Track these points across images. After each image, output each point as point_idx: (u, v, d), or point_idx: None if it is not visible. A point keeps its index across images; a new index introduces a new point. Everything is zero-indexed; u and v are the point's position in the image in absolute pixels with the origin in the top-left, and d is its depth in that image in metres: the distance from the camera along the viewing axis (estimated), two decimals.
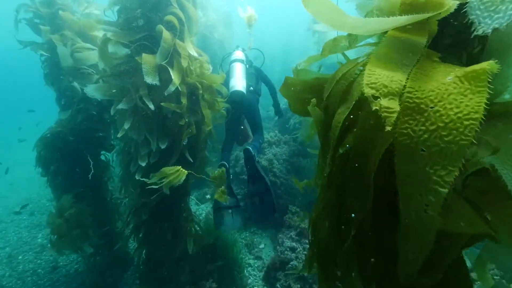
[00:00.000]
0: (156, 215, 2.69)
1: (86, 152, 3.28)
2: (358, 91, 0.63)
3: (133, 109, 2.46)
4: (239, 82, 3.39)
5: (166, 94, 2.31)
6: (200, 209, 4.81)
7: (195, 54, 2.63)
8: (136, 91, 2.43)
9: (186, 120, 2.57)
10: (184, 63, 2.45)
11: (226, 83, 3.45)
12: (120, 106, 2.44)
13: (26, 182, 7.58)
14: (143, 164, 2.37)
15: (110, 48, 2.65)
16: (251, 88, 3.56)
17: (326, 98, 0.82)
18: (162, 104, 2.39)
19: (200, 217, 4.38)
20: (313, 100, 0.90)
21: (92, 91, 2.42)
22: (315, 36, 4.89)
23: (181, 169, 2.38)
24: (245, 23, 4.91)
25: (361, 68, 0.69)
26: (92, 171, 3.01)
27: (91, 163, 3.09)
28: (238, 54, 3.78)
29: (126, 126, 2.38)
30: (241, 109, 3.46)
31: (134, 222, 2.65)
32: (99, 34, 3.19)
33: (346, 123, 0.70)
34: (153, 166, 2.53)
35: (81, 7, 3.54)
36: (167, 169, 2.17)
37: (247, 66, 3.70)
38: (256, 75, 3.79)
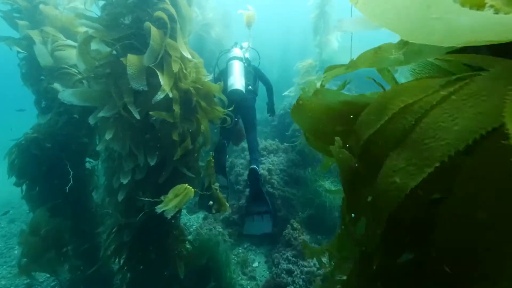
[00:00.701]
0: (142, 235, 2.40)
1: (67, 160, 2.97)
2: (458, 139, 0.36)
3: (116, 117, 2.17)
4: (238, 81, 3.25)
5: (153, 102, 2.03)
6: (191, 219, 4.52)
7: (189, 56, 2.36)
8: (119, 97, 2.14)
9: (180, 131, 2.29)
10: (176, 66, 2.17)
11: (223, 81, 3.24)
12: (101, 113, 2.15)
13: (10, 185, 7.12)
14: (125, 181, 2.08)
15: (93, 47, 2.37)
16: (250, 87, 3.44)
17: (368, 138, 0.55)
18: (150, 113, 2.10)
19: (191, 229, 4.09)
20: (338, 139, 0.64)
21: (68, 96, 2.11)
22: (316, 39, 4.64)
23: (188, 187, 2.11)
24: (244, 23, 4.69)
25: (453, 98, 0.41)
26: (71, 183, 2.70)
27: (71, 173, 2.78)
28: (237, 52, 3.63)
29: (108, 136, 2.09)
30: (239, 109, 3.30)
31: (116, 244, 2.36)
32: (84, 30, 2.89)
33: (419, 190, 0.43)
34: (140, 183, 2.24)
35: (65, 0, 3.24)
36: (176, 190, 1.97)
37: (246, 64, 3.58)
38: (254, 74, 3.67)
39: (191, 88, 2.28)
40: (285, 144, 5.28)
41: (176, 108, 2.21)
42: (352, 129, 0.63)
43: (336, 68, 0.90)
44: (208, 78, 2.41)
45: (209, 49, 6.36)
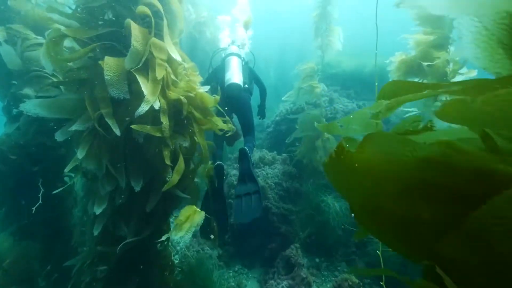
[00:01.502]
0: (121, 265, 2.06)
1: (40, 175, 2.61)
2: None
3: (91, 131, 1.83)
4: (236, 75, 3.15)
5: (136, 115, 1.70)
6: (176, 236, 4.14)
7: (179, 58, 2.04)
8: (95, 107, 1.80)
9: (172, 147, 1.96)
10: (162, 71, 1.85)
11: (220, 77, 3.26)
12: (74, 127, 1.81)
13: None
14: (99, 211, 1.74)
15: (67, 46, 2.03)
16: (246, 85, 3.30)
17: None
18: (132, 126, 1.77)
19: (178, 247, 3.74)
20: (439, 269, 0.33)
21: (33, 107, 1.77)
22: (318, 41, 4.35)
23: (196, 209, 1.97)
24: (242, 24, 4.45)
25: None
26: (39, 202, 2.34)
27: (41, 191, 2.42)
28: (234, 49, 3.52)
29: (80, 154, 1.75)
30: (236, 105, 3.21)
31: (89, 276, 2.01)
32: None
33: None
34: (122, 209, 1.91)
35: None
36: (186, 212, 1.87)
37: (243, 62, 3.47)
38: (249, 74, 3.56)
39: (181, 97, 1.95)
40: (283, 154, 4.95)
41: (165, 120, 1.88)
42: (466, 224, 0.33)
43: (409, 94, 0.58)
44: (204, 89, 2.08)
45: (204, 50, 6.03)
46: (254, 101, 3.89)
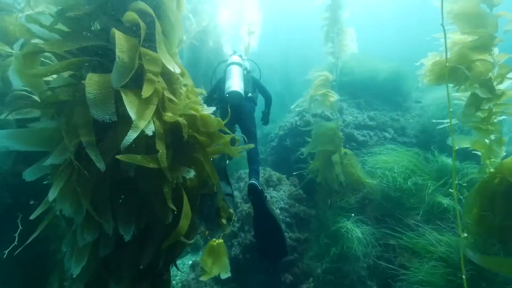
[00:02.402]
0: None
1: (20, 209, 2.26)
2: None
3: (68, 165, 1.47)
4: (236, 83, 3.12)
5: (122, 147, 1.34)
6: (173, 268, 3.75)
7: (177, 71, 1.69)
8: (73, 134, 1.45)
9: (173, 183, 1.59)
10: (149, 89, 1.49)
11: (221, 87, 3.26)
12: (49, 161, 1.47)
13: None
14: (77, 270, 1.36)
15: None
16: (249, 94, 3.31)
17: None
18: (118, 157, 1.41)
19: (174, 280, 3.32)
20: None
21: (3, 140, 1.43)
22: (328, 46, 4.01)
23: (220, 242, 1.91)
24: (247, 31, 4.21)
25: None
26: (15, 243, 1.98)
27: (19, 229, 2.06)
28: (235, 58, 3.51)
29: (52, 195, 1.40)
30: (238, 114, 3.15)
31: None
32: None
33: None
34: (109, 263, 1.53)
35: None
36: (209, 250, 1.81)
37: (245, 72, 3.46)
38: (252, 83, 3.56)
39: (179, 120, 1.59)
40: (291, 178, 4.51)
41: (161, 147, 1.52)
42: None
43: None
44: (208, 110, 1.72)
45: (208, 59, 5.73)
46: (259, 111, 3.74)
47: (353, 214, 3.51)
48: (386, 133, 5.76)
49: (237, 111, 3.13)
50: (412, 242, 2.86)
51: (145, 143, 1.55)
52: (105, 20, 1.64)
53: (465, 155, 3.63)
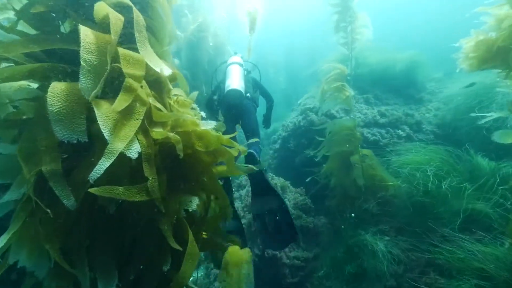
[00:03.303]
0: None
1: None
2: None
3: (27, 201, 1.15)
4: (235, 82, 3.06)
5: (90, 179, 1.00)
6: None
7: (167, 72, 1.34)
8: (33, 162, 1.12)
9: (173, 218, 1.26)
10: (125, 98, 1.15)
11: (221, 87, 3.23)
12: (6, 197, 1.15)
13: None
14: None
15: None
16: (248, 94, 3.21)
17: None
18: (91, 190, 1.07)
19: None
20: None
21: None
22: (339, 35, 3.61)
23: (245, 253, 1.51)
24: (247, 23, 3.84)
25: None
26: None
27: None
28: (236, 59, 3.44)
29: (2, 241, 1.07)
30: (238, 113, 3.08)
31: None
32: None
33: None
34: None
35: None
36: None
37: (245, 72, 3.39)
38: (253, 84, 3.48)
39: (171, 135, 1.24)
40: (299, 188, 4.10)
41: (150, 173, 1.18)
42: None
43: None
44: (208, 125, 1.35)
45: (207, 56, 5.36)
46: (260, 114, 3.58)
47: (373, 224, 3.14)
48: (400, 131, 5.26)
49: (238, 110, 3.07)
50: (449, 256, 2.48)
51: (129, 169, 1.22)
52: (76, 18, 1.30)
53: (501, 152, 3.21)
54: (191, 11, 5.54)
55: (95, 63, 1.07)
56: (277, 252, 2.96)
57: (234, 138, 3.58)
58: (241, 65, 3.34)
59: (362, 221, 3.27)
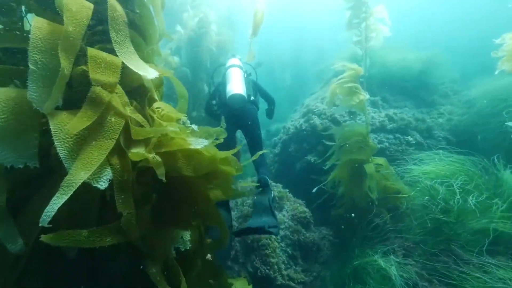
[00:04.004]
0: None
1: None
2: None
3: None
4: (238, 86, 2.97)
5: (42, 223, 0.74)
6: None
7: (152, 75, 1.07)
8: None
9: (159, 263, 1.01)
10: (89, 115, 0.89)
11: (221, 91, 3.17)
12: None
13: None
14: None
15: None
16: (251, 97, 3.11)
17: None
18: (42, 238, 0.81)
19: None
20: None
21: None
22: (351, 32, 3.31)
23: None
24: (252, 25, 3.62)
25: None
26: None
27: None
28: (235, 61, 3.34)
29: None
30: (241, 119, 3.00)
31: None
32: None
33: None
34: None
35: None
36: None
37: (245, 75, 3.26)
38: (253, 86, 3.37)
39: (149, 156, 0.98)
40: (299, 198, 3.80)
41: (126, 206, 0.93)
42: None
43: None
44: (199, 143, 1.07)
45: (209, 53, 5.07)
46: (261, 113, 3.45)
47: (384, 242, 2.85)
48: (409, 137, 4.92)
49: (240, 116, 2.95)
50: (478, 285, 2.19)
51: (99, 201, 0.96)
52: (37, 10, 1.03)
53: None
54: (193, 6, 5.26)
55: (49, 65, 0.81)
56: (271, 272, 2.68)
57: (234, 141, 3.36)
58: (240, 67, 3.23)
59: (371, 238, 2.99)
